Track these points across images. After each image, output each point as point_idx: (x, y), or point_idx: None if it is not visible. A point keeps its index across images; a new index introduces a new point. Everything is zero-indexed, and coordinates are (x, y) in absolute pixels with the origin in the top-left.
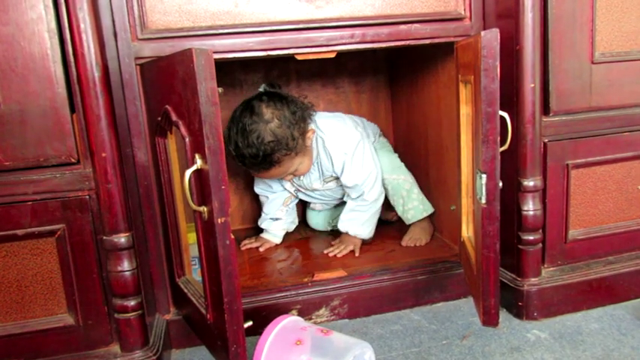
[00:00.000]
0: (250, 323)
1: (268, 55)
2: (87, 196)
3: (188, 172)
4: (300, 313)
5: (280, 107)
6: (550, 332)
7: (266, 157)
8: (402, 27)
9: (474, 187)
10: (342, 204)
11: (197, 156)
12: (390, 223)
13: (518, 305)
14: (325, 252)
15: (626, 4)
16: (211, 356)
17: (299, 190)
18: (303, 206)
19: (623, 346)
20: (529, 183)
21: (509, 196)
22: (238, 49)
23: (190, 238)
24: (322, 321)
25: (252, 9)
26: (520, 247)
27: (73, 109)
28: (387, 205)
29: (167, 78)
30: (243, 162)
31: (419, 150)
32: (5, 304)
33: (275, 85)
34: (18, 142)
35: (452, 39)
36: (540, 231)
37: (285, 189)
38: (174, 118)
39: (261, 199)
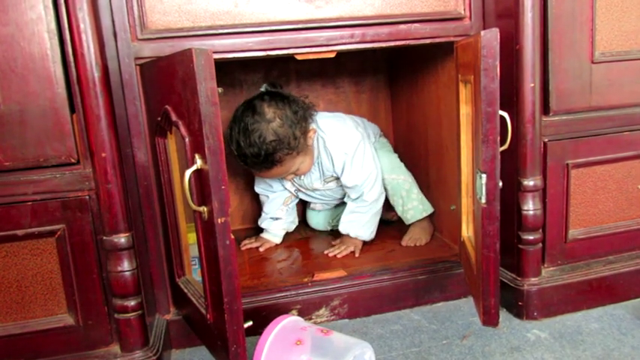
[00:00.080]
0: (250, 323)
1: (268, 55)
2: (87, 197)
3: (188, 172)
4: (300, 313)
5: (282, 107)
6: (550, 332)
7: (268, 157)
8: (402, 27)
9: (474, 186)
10: (342, 204)
11: (197, 156)
12: (390, 223)
13: (519, 305)
14: (325, 252)
15: (625, 3)
16: (211, 356)
17: (299, 190)
18: (303, 206)
19: (624, 345)
20: (529, 183)
21: (510, 195)
22: (238, 49)
23: (190, 238)
24: (322, 321)
25: (252, 9)
26: (520, 246)
27: (72, 110)
28: (388, 205)
29: (167, 78)
30: (245, 161)
31: (419, 150)
32: (5, 305)
33: (277, 84)
34: (18, 142)
35: (452, 39)
36: (540, 231)
37: (286, 189)
38: (174, 118)
39: (262, 198)
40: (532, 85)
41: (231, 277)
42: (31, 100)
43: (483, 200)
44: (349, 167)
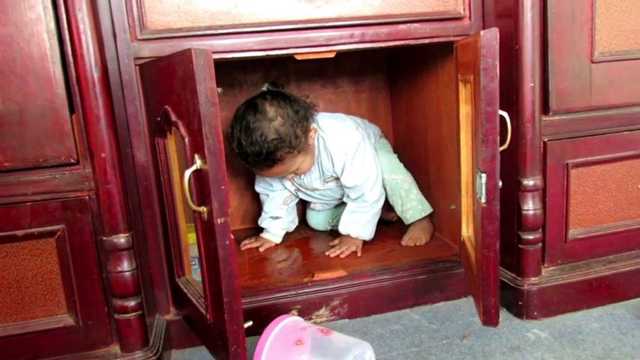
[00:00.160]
0: (250, 323)
1: (267, 55)
2: (86, 197)
3: (187, 173)
4: (300, 313)
5: (284, 106)
6: (550, 331)
7: (269, 155)
8: (402, 27)
9: (474, 186)
10: (342, 204)
11: (196, 156)
12: (390, 223)
13: (519, 305)
14: (327, 253)
15: (625, 3)
16: (211, 356)
17: (299, 190)
18: (303, 206)
19: (624, 345)
20: (529, 182)
21: (509, 195)
22: (237, 49)
23: (190, 239)
24: (322, 321)
25: (252, 9)
26: (520, 246)
27: (72, 110)
28: (388, 205)
29: (166, 78)
30: (246, 160)
31: (418, 149)
32: (5, 305)
33: (278, 84)
34: (17, 142)
35: (451, 38)
36: (540, 230)
37: (286, 188)
38: (173, 118)
39: (262, 197)
40: (532, 84)
41: (231, 277)
42: (31, 101)
43: (483, 200)
44: (349, 167)
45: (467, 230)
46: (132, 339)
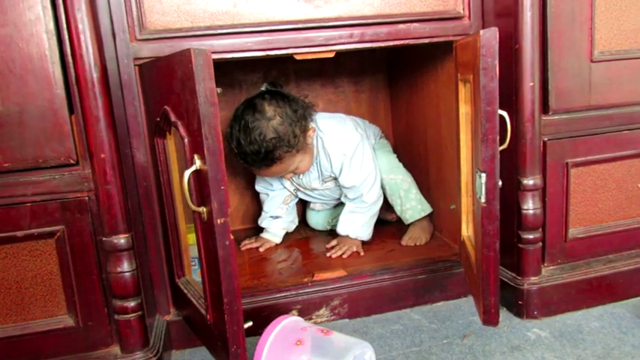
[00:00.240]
0: (250, 324)
1: (267, 55)
2: (86, 197)
3: (187, 173)
4: (301, 313)
5: (282, 105)
6: (550, 331)
7: (268, 154)
8: (401, 26)
9: (474, 186)
10: (342, 204)
11: (196, 156)
12: (390, 223)
13: (519, 304)
14: (328, 254)
15: (624, 2)
16: (211, 357)
17: (298, 189)
18: (303, 206)
19: (624, 344)
20: (529, 182)
21: (509, 195)
22: (237, 49)
23: (190, 239)
24: (322, 321)
25: (251, 9)
26: (520, 245)
27: (71, 110)
28: (388, 205)
29: (166, 78)
30: (245, 159)
31: (418, 149)
32: (5, 306)
33: (277, 84)
34: (17, 143)
35: (451, 38)
36: (540, 230)
37: (285, 187)
38: (173, 118)
39: (262, 197)
40: (531, 84)
41: (231, 278)
42: (30, 101)
43: (483, 199)
44: (347, 168)
45: (467, 230)
46: (132, 340)
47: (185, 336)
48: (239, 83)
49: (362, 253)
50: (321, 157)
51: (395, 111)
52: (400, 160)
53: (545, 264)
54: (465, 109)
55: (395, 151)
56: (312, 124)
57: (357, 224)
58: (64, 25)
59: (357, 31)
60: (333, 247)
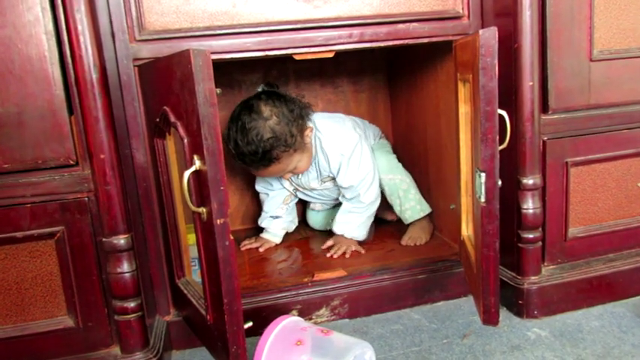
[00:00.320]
0: (250, 324)
1: (266, 56)
2: (86, 198)
3: (187, 174)
4: (301, 314)
5: (279, 105)
6: (550, 330)
7: (265, 154)
8: (401, 26)
9: (474, 185)
10: (341, 204)
11: (196, 157)
12: (389, 222)
13: (519, 304)
14: (328, 255)
15: (624, 1)
16: (211, 357)
17: (297, 190)
18: (303, 206)
19: (624, 343)
20: (528, 181)
21: (509, 194)
22: (236, 49)
23: (190, 239)
24: (322, 321)
25: (250, 9)
26: (520, 245)
27: (71, 111)
28: (388, 205)
29: (165, 79)
30: (243, 160)
31: (418, 149)
32: (5, 307)
33: (273, 85)
34: (16, 144)
35: (450, 38)
36: (540, 229)
37: (285, 187)
38: (172, 119)
39: (262, 197)
40: (531, 83)
41: (231, 278)
42: (29, 102)
43: (483, 199)
44: (345, 168)
45: (467, 229)
46: (132, 340)
47: (185, 336)
48: (238, 83)
49: (362, 252)
50: (320, 157)
51: (394, 111)
52: (400, 160)
53: (545, 263)
54: (464, 109)
55: (394, 150)
56: (310, 124)
57: (353, 224)
58: (64, 26)
59: (356, 31)
60: (330, 247)
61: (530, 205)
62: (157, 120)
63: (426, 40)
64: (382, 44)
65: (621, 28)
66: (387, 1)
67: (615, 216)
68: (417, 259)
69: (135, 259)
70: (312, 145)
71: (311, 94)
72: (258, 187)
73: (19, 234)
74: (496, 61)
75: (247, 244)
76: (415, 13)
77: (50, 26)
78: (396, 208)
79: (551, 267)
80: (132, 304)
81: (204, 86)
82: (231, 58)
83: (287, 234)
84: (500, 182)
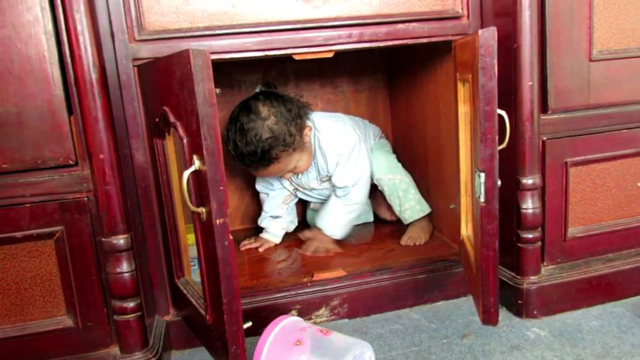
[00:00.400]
0: (250, 324)
1: (266, 56)
2: (85, 198)
3: (186, 174)
4: (300, 314)
5: (276, 105)
6: (550, 330)
7: (264, 154)
8: (400, 26)
9: (473, 185)
10: None
11: (195, 157)
12: (389, 222)
13: (518, 303)
14: (300, 251)
15: (623, 1)
16: (211, 357)
17: (297, 189)
18: (303, 206)
19: (623, 343)
20: (528, 181)
21: (508, 194)
22: (236, 49)
23: (189, 239)
24: (322, 321)
25: (250, 9)
26: (519, 245)
27: (70, 111)
28: (388, 205)
29: (164, 79)
30: (242, 161)
31: (418, 149)
32: (4, 307)
33: (271, 85)
34: (15, 144)
35: (450, 38)
36: (539, 229)
37: (285, 187)
38: (172, 119)
39: (262, 196)
40: (530, 83)
41: (230, 278)
42: (29, 102)
43: (482, 199)
44: (342, 168)
45: (466, 229)
46: (131, 340)
47: (184, 336)
48: (238, 83)
49: (339, 250)
50: (318, 156)
51: (394, 111)
52: (399, 160)
53: (545, 263)
54: (464, 109)
55: (394, 150)
56: (308, 123)
57: (336, 222)
58: (63, 26)
59: (355, 31)
60: (306, 240)
61: (529, 205)
62: (157, 120)
63: (425, 40)
64: (381, 44)
65: (620, 28)
66: (387, 1)
67: (615, 216)
68: (417, 259)
69: (134, 259)
70: (311, 145)
71: (310, 94)
72: (259, 186)
73: (18, 234)
74: (495, 61)
75: (247, 244)
76: (414, 13)
77: (50, 26)
78: (396, 208)
79: (551, 267)
80: (131, 304)
81: (204, 86)
82: (231, 58)
83: (287, 234)
84: (499, 182)
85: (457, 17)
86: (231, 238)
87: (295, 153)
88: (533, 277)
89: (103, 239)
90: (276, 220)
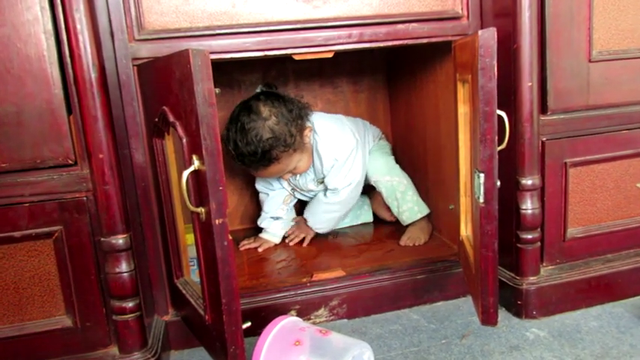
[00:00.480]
0: (249, 324)
1: (266, 56)
2: (84, 198)
3: (185, 173)
4: (299, 314)
5: (277, 105)
6: (549, 330)
7: (265, 154)
8: (400, 26)
9: (472, 186)
10: None
11: (194, 157)
12: (388, 223)
13: (517, 304)
14: (287, 241)
15: (623, 2)
16: (210, 357)
17: (295, 190)
18: (302, 207)
19: (622, 343)
20: (527, 182)
21: (508, 195)
22: (235, 49)
23: (188, 239)
24: (321, 321)
25: (250, 9)
26: (519, 245)
27: (69, 111)
28: (387, 206)
29: (164, 79)
30: (242, 161)
31: (417, 149)
32: (2, 307)
33: (272, 85)
34: (14, 143)
35: (449, 38)
36: (539, 229)
37: (284, 187)
38: (171, 119)
39: (261, 196)
40: (530, 84)
41: (230, 278)
42: (28, 102)
43: (481, 200)
44: (336, 172)
45: (465, 230)
46: (130, 340)
47: (183, 336)
48: (238, 83)
49: (305, 244)
50: (315, 158)
51: (394, 111)
52: (399, 160)
53: (544, 264)
54: (463, 109)
55: (394, 151)
56: (309, 124)
57: (319, 217)
58: (63, 26)
59: (355, 31)
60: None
61: (528, 206)
62: (156, 120)
63: (425, 41)
64: (381, 44)
65: (620, 29)
66: (387, 2)
67: (614, 216)
68: (416, 259)
69: (133, 258)
70: (311, 146)
71: (310, 95)
72: (259, 186)
73: (17, 233)
74: (495, 62)
75: (246, 244)
76: (414, 14)
77: (49, 25)
78: (394, 210)
79: (550, 267)
80: (130, 304)
81: (203, 86)
82: (231, 58)
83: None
84: (499, 183)
85: (457, 18)
86: (230, 238)
87: (295, 154)
88: (532, 278)
89: (102, 239)
90: (276, 220)
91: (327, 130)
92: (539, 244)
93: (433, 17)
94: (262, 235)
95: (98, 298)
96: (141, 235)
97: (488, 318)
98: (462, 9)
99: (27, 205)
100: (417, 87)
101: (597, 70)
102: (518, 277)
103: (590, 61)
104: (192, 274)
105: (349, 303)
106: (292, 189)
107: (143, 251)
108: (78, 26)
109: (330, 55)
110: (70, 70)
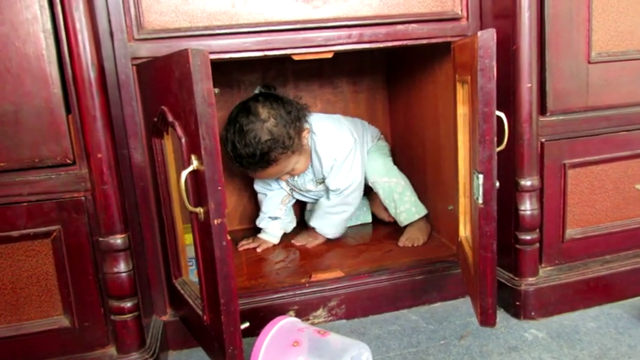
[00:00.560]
0: (247, 324)
1: (265, 56)
2: (83, 197)
3: (184, 173)
4: (298, 314)
5: (276, 107)
6: (548, 331)
7: (263, 156)
8: (400, 27)
9: (471, 187)
10: None
11: (193, 157)
12: (387, 223)
13: (516, 305)
14: (293, 241)
15: (622, 3)
16: (208, 358)
17: (294, 190)
18: (301, 207)
19: (620, 344)
20: (526, 183)
21: (507, 195)
22: (235, 49)
23: (187, 239)
24: (320, 322)
25: (249, 9)
26: (517, 246)
27: (68, 110)
28: (385, 207)
29: (163, 78)
30: (240, 162)
31: (416, 150)
32: None
33: (270, 86)
34: (13, 143)
35: (449, 39)
36: (537, 230)
37: (282, 187)
38: (170, 118)
39: (260, 197)
40: (529, 85)
41: (228, 279)
42: (27, 101)
43: (480, 200)
44: (336, 172)
45: (464, 231)
46: (128, 340)
47: (182, 337)
48: (237, 83)
49: (310, 246)
50: (314, 159)
51: (393, 112)
52: (398, 161)
53: (543, 265)
54: (462, 110)
55: (393, 151)
56: (307, 125)
57: (327, 222)
58: (62, 25)
59: (355, 31)
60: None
61: (527, 207)
62: (155, 119)
63: (424, 42)
64: (381, 45)
65: (619, 30)
66: (386, 2)
67: (612, 218)
68: (415, 260)
69: (132, 258)
70: (309, 147)
71: (310, 95)
72: (257, 186)
73: (15, 233)
74: (494, 63)
75: (245, 245)
76: (414, 14)
77: (48, 24)
78: (392, 211)
79: (549, 268)
80: (128, 304)
81: (203, 86)
82: (230, 58)
83: (285, 234)
84: (497, 184)
85: (456, 19)
86: (228, 238)
87: (294, 155)
88: (531, 279)
89: (101, 239)
90: (275, 220)
91: (325, 131)
92: (537, 245)
93: (433, 18)
94: (261, 235)
95: (96, 298)
96: (139, 235)
97: (486, 319)
98: (461, 10)
99: (25, 204)
100: (417, 87)
101: (596, 72)
102: (516, 278)
103: (589, 62)
104: (191, 274)
105: (348, 303)
106: (291, 189)
107: (141, 251)
108: (77, 25)
109: (330, 55)
110: (69, 70)
